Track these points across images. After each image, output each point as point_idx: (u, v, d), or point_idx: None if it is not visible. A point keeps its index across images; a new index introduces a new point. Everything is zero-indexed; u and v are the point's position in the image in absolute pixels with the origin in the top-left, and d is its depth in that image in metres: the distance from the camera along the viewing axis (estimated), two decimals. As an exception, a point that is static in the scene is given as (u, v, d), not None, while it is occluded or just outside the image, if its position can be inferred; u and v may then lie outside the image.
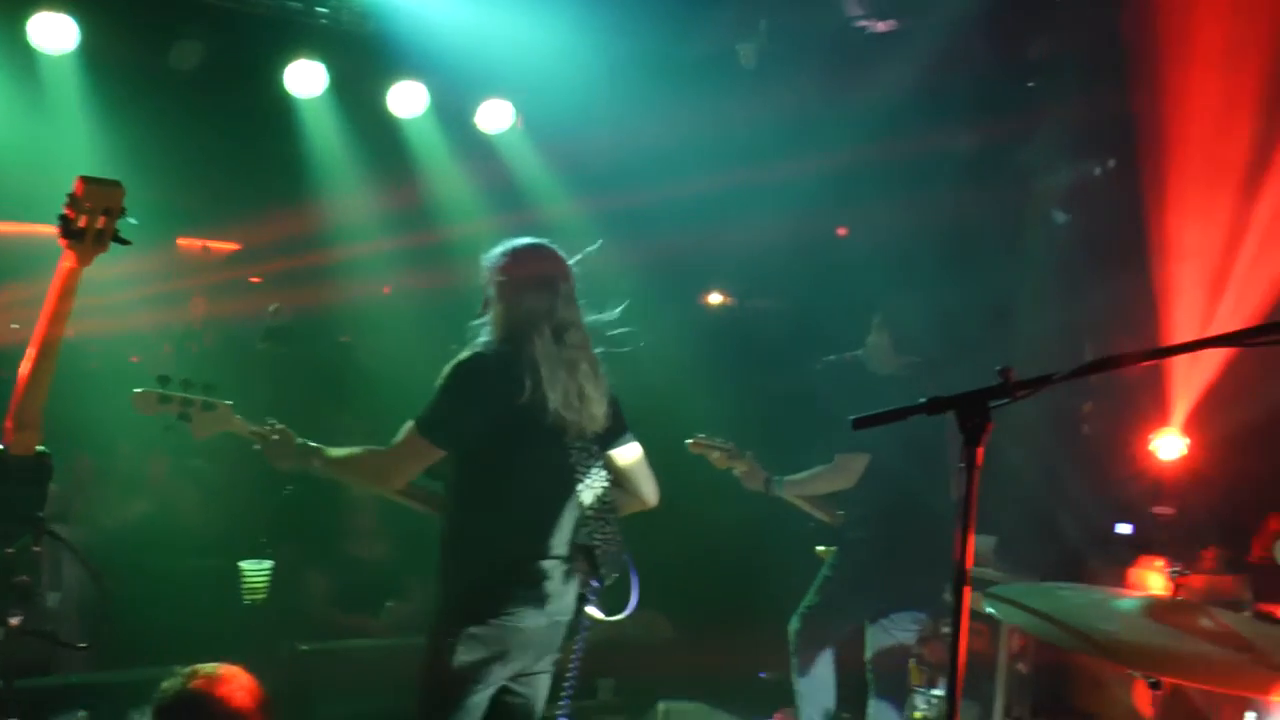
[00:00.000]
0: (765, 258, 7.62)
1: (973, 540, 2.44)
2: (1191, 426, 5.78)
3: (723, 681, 6.27)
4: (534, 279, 3.80)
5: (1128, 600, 2.77)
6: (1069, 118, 5.90)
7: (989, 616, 3.07)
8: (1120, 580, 5.52)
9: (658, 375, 6.48)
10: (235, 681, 2.89)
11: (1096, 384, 6.14)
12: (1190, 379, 5.66)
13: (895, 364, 5.42)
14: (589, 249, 4.00)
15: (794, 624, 5.36)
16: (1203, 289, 5.53)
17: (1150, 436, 5.79)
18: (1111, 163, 5.97)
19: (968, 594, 2.39)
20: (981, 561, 5.89)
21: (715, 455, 5.42)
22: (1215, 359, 5.56)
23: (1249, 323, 5.37)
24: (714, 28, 6.80)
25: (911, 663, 5.42)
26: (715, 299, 9.30)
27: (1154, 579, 5.35)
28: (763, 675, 6.25)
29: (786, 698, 5.75)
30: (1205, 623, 2.68)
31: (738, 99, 6.84)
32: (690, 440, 5.45)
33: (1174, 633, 2.63)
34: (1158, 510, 5.72)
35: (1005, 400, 2.39)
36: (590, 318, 4.01)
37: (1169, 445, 5.74)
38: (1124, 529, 5.80)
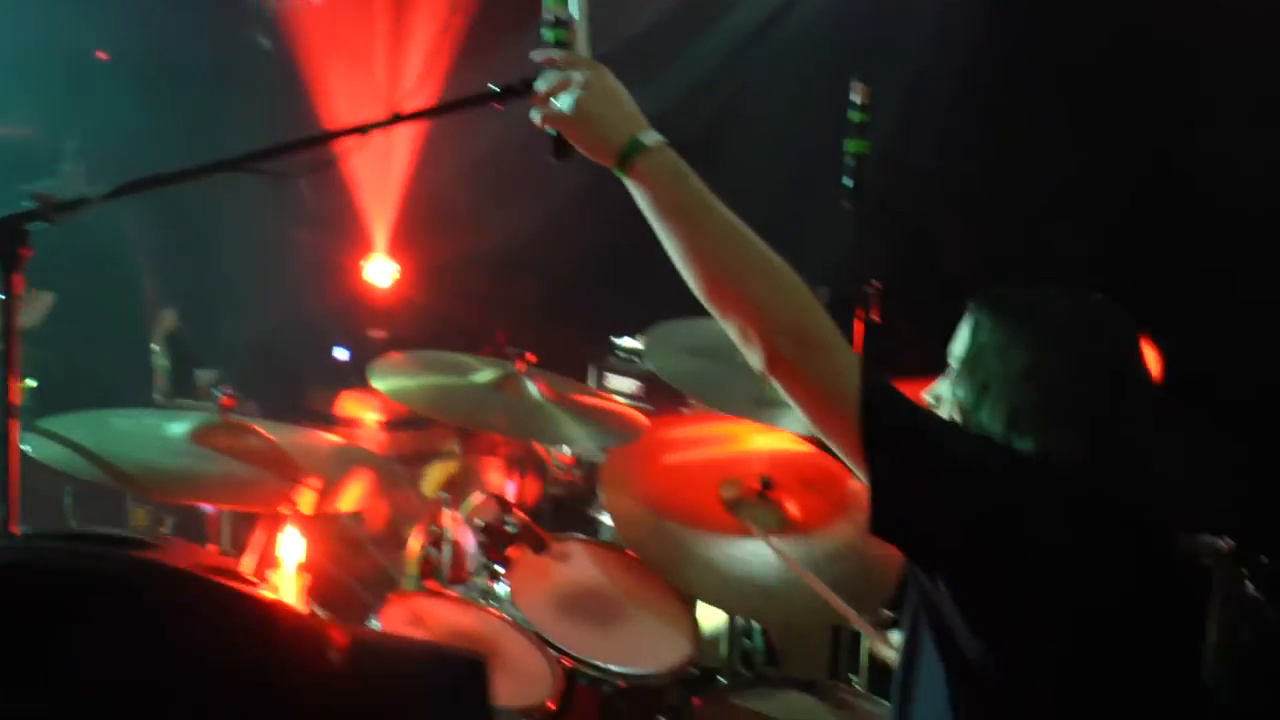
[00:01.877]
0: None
1: (16, 380, 2.31)
2: (400, 253, 5.98)
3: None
4: None
5: (178, 424, 2.74)
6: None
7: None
8: (333, 404, 5.66)
9: None
10: None
11: (312, 212, 6.16)
12: (383, 209, 5.84)
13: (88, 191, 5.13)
14: None
15: None
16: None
17: (362, 263, 5.93)
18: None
19: (15, 429, 2.24)
20: (201, 395, 5.79)
21: None
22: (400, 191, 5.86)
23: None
24: None
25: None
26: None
27: (360, 405, 5.53)
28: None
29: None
30: (252, 442, 2.72)
31: None
32: None
33: (213, 456, 2.64)
34: (373, 334, 5.88)
35: (44, 223, 2.32)
36: None
37: (379, 271, 5.91)
38: (341, 354, 5.91)
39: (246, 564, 2.21)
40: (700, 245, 1.87)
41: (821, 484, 3.46)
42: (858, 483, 3.43)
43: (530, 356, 3.25)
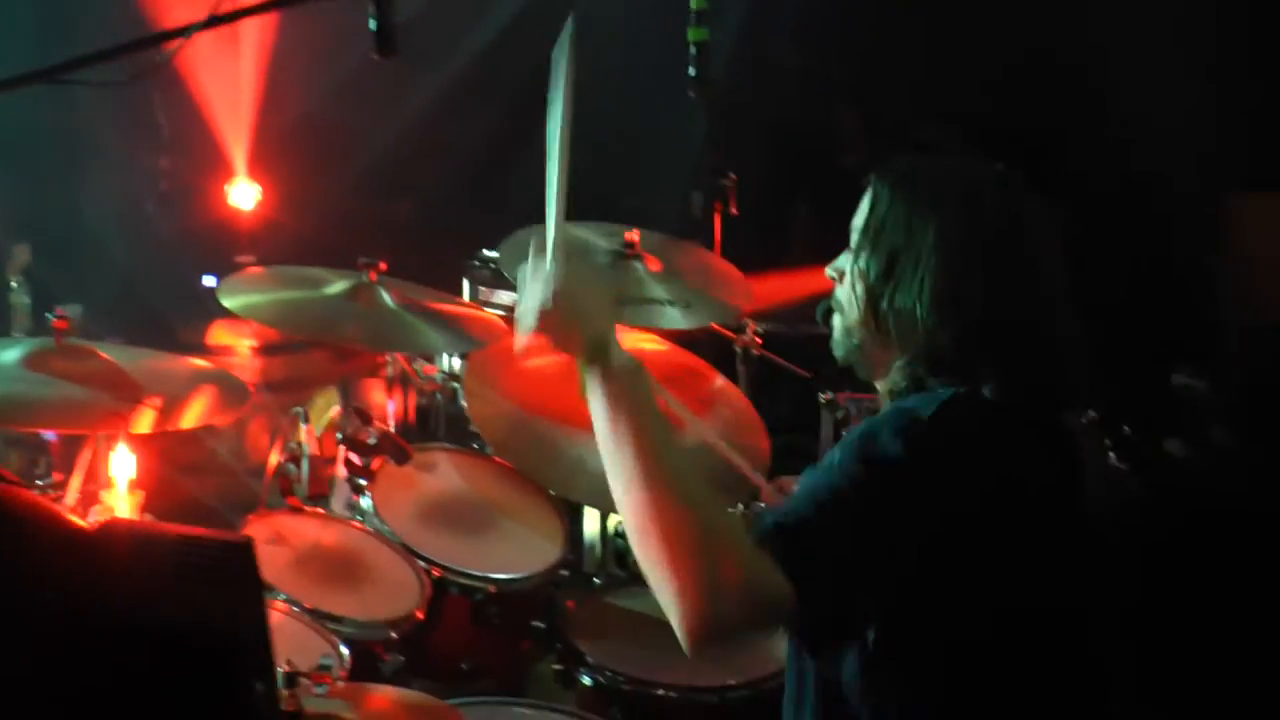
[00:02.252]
0: None
1: None
2: (265, 175, 5.83)
3: None
4: None
5: (9, 350, 2.65)
6: None
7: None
8: (204, 333, 5.54)
9: None
10: None
11: (173, 138, 5.99)
12: (239, 130, 5.69)
13: None
14: None
15: None
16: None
17: (226, 187, 5.78)
18: None
19: None
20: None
21: None
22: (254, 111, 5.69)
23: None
24: None
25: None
26: None
27: (232, 333, 5.41)
28: None
29: None
30: (90, 364, 2.64)
31: None
32: None
33: (49, 380, 2.56)
34: (240, 259, 5.74)
35: None
36: None
37: (242, 194, 5.76)
38: (209, 282, 5.77)
39: (74, 484, 2.15)
40: (638, 484, 1.72)
41: (684, 380, 3.46)
42: (720, 380, 3.45)
43: (383, 265, 3.19)
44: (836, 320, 2.08)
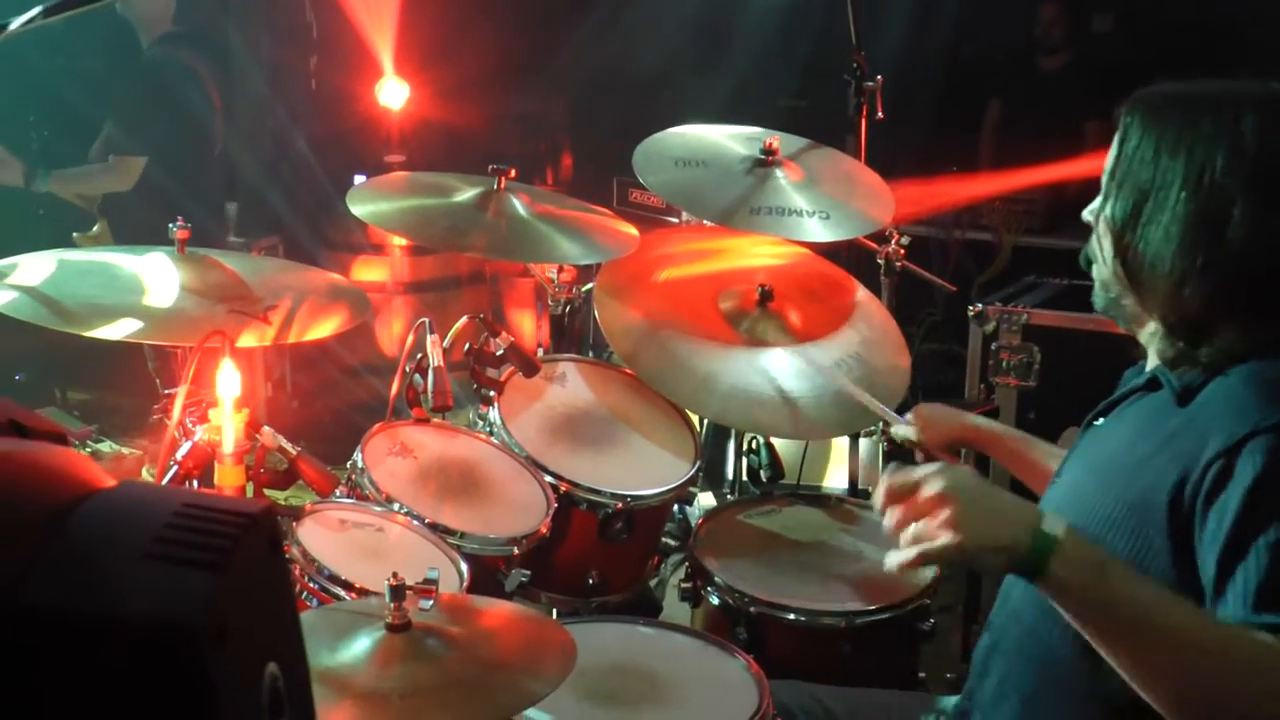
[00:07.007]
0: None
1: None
2: (412, 73, 5.80)
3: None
4: None
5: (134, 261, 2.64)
6: None
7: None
8: (357, 232, 5.59)
9: None
10: None
11: (321, 38, 6.00)
12: (381, 26, 5.63)
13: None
14: None
15: None
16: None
17: (375, 86, 5.76)
18: None
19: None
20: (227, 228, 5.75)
21: None
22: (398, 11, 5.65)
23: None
24: None
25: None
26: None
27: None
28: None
29: None
30: (213, 276, 2.62)
31: None
32: None
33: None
34: (389, 159, 5.76)
35: None
36: None
37: (392, 93, 5.74)
38: (361, 180, 5.79)
39: (177, 401, 2.13)
40: (1150, 659, 1.56)
41: (823, 292, 3.33)
42: (861, 292, 3.29)
43: (513, 172, 3.10)
44: (1095, 271, 1.92)
